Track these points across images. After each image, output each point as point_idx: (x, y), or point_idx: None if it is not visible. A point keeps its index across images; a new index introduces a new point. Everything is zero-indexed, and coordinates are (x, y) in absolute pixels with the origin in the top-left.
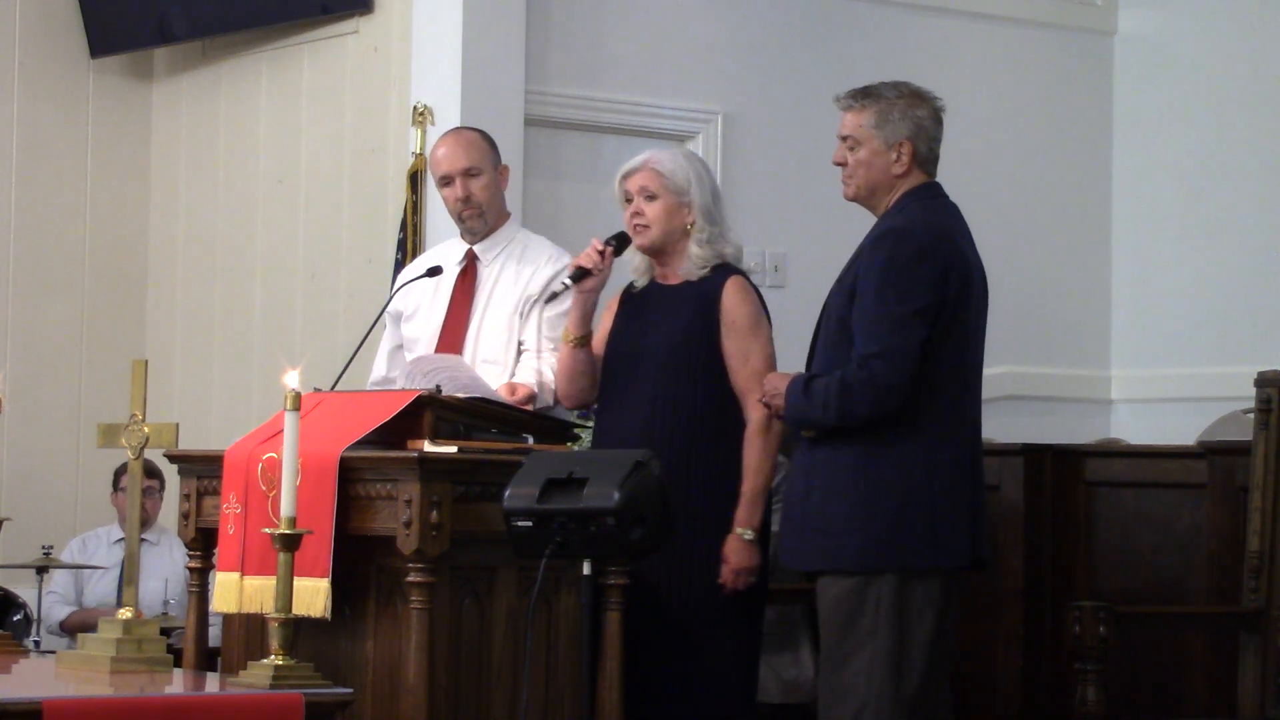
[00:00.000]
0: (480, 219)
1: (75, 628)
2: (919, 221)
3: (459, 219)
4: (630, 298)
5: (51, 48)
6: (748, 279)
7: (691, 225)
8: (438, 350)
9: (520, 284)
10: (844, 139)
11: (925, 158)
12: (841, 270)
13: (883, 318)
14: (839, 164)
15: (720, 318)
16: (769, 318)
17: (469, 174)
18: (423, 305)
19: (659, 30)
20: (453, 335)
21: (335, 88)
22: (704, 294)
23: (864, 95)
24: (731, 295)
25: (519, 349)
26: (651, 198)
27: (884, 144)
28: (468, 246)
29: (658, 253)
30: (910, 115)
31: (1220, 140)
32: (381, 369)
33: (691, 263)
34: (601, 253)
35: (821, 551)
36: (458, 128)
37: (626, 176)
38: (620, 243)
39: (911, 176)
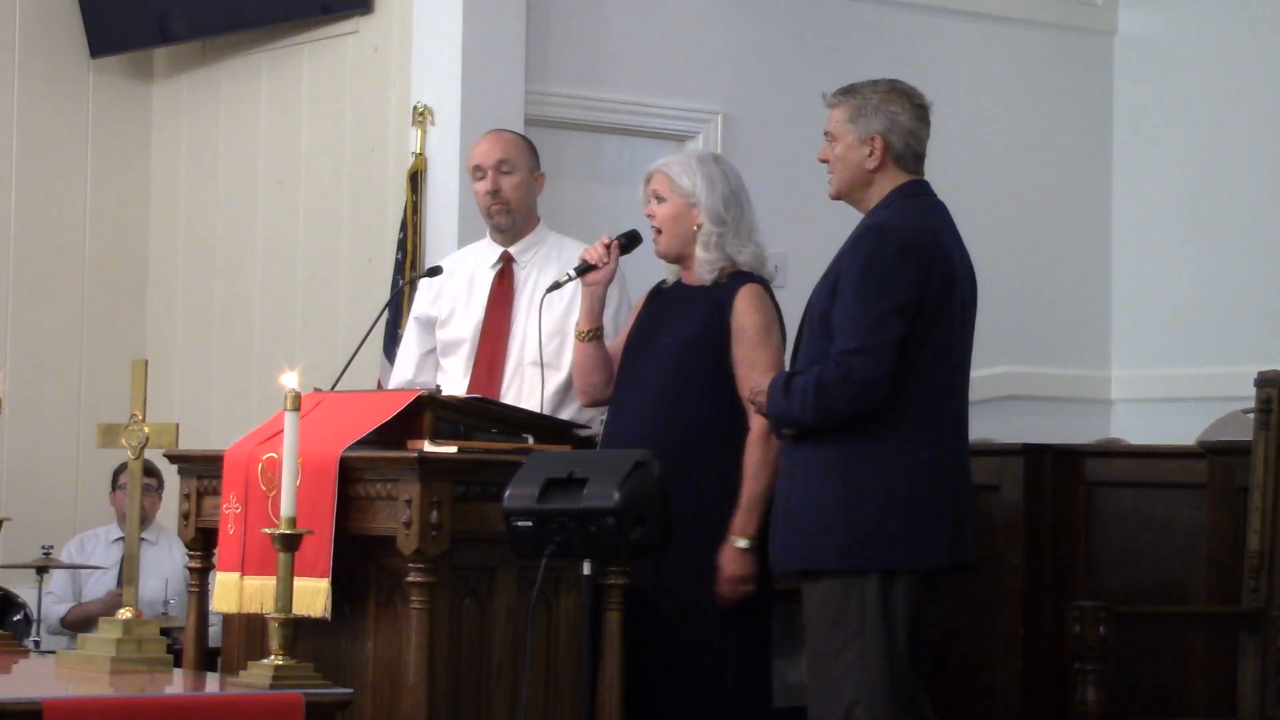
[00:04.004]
0: (507, 215)
1: (76, 622)
2: (902, 218)
3: (487, 214)
4: (656, 296)
5: (51, 48)
6: (766, 288)
7: (699, 228)
8: (480, 352)
9: (567, 287)
10: (826, 133)
11: (901, 154)
12: (826, 268)
13: (862, 314)
14: (823, 160)
15: (730, 324)
16: (783, 328)
17: (501, 168)
18: (458, 308)
19: (659, 30)
20: (494, 336)
21: (335, 88)
22: (717, 300)
23: (845, 92)
24: (743, 303)
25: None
26: (660, 199)
27: (857, 138)
28: (501, 249)
29: (677, 257)
30: (884, 110)
31: (1220, 140)
32: (407, 373)
33: (701, 269)
34: (608, 247)
35: (804, 551)
36: (501, 128)
37: (646, 180)
38: (630, 241)
39: (889, 173)
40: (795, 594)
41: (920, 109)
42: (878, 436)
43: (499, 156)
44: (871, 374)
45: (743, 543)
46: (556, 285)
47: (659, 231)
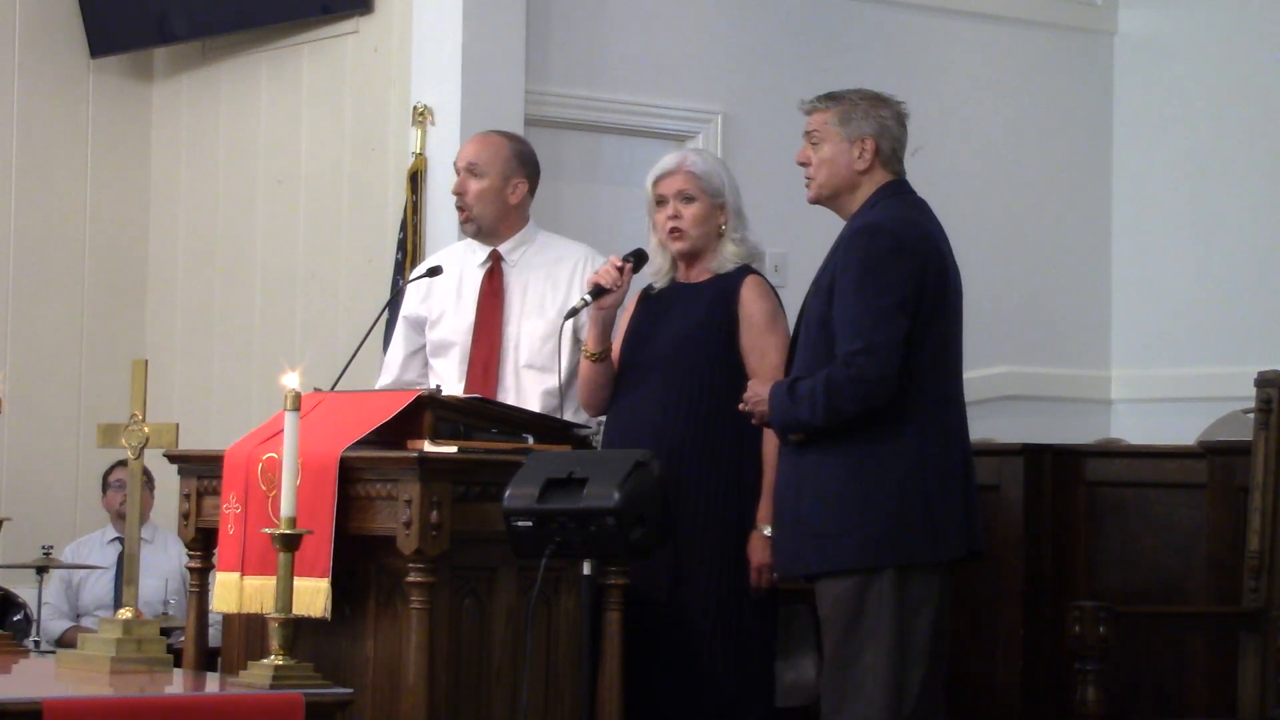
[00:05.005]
0: (470, 220)
1: (72, 645)
2: (892, 216)
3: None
4: (649, 299)
5: (51, 48)
6: (764, 278)
7: (725, 225)
8: (474, 355)
9: (559, 287)
10: (808, 134)
11: (888, 157)
12: (817, 271)
13: (864, 313)
14: (802, 163)
15: (739, 313)
16: (786, 317)
17: (471, 170)
18: (448, 309)
19: (659, 30)
20: (487, 339)
21: (335, 88)
22: (722, 290)
23: (827, 98)
24: (750, 291)
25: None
26: (689, 200)
27: (847, 139)
28: (489, 248)
29: (697, 256)
30: (873, 114)
31: (1220, 140)
32: (393, 373)
33: (725, 259)
34: (620, 269)
35: (820, 554)
36: (492, 130)
37: (660, 180)
38: (638, 260)
39: (875, 175)
40: (792, 595)
41: (901, 115)
42: (886, 434)
43: (469, 159)
44: (880, 372)
45: (770, 530)
46: (574, 311)
47: (678, 232)
